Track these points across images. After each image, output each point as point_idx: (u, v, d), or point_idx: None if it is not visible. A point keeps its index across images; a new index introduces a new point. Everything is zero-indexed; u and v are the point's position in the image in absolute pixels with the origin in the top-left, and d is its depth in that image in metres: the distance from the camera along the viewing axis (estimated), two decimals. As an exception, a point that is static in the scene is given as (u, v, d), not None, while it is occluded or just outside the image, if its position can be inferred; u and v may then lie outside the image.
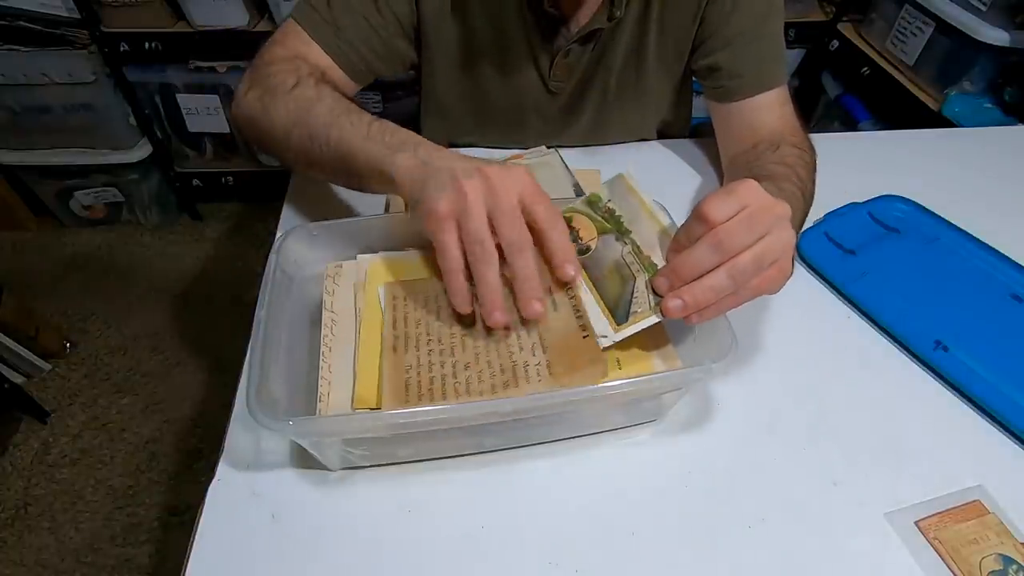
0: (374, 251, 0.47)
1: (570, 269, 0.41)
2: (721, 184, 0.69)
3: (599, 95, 0.69)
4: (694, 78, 0.70)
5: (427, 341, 0.41)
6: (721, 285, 0.37)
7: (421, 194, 0.40)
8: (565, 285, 0.42)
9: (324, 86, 0.52)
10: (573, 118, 0.72)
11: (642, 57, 0.66)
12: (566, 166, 0.67)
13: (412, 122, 0.77)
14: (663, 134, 0.78)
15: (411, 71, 0.70)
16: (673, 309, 0.38)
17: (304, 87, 0.51)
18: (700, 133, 0.75)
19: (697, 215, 0.38)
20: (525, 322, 0.41)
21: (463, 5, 0.62)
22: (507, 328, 0.41)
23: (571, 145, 0.72)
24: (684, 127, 0.80)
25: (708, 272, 0.38)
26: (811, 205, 0.57)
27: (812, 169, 0.58)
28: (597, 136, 0.73)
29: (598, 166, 0.68)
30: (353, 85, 0.62)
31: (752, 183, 0.39)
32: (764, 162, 0.57)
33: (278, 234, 0.51)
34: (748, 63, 0.62)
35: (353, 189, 0.50)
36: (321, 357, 0.41)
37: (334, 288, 0.45)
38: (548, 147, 0.71)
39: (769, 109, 0.62)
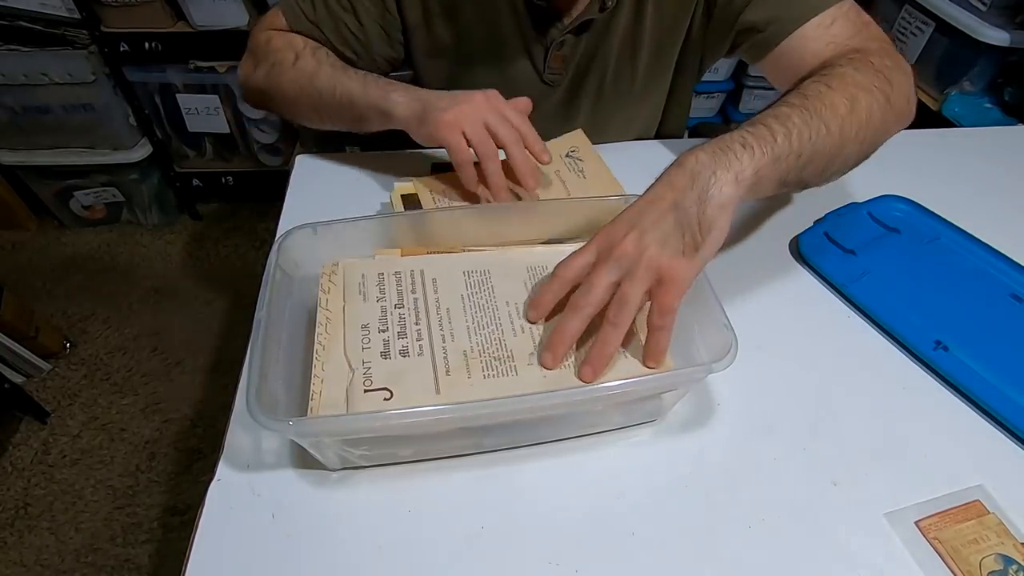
0: (373, 251, 0.48)
1: (531, 181, 0.54)
2: None
3: (595, 87, 0.69)
4: (737, 57, 0.66)
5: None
6: (609, 339, 0.39)
7: (425, 115, 0.53)
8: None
9: (320, 52, 0.62)
10: (570, 113, 0.72)
11: (637, 48, 0.66)
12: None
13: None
14: (661, 134, 0.78)
15: (408, 72, 0.70)
16: (586, 378, 0.40)
17: (304, 60, 0.61)
18: (699, 133, 0.74)
19: (554, 272, 0.42)
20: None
21: (453, 2, 0.63)
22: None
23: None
24: (681, 125, 0.80)
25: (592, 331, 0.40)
26: (880, 112, 0.49)
27: (873, 73, 0.49)
28: (595, 133, 0.73)
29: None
30: None
31: (609, 226, 0.41)
32: (789, 94, 0.49)
33: (278, 234, 0.51)
34: (777, 3, 0.57)
35: (357, 131, 0.61)
36: (315, 355, 0.41)
37: (330, 287, 0.45)
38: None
39: (813, 38, 0.55)
